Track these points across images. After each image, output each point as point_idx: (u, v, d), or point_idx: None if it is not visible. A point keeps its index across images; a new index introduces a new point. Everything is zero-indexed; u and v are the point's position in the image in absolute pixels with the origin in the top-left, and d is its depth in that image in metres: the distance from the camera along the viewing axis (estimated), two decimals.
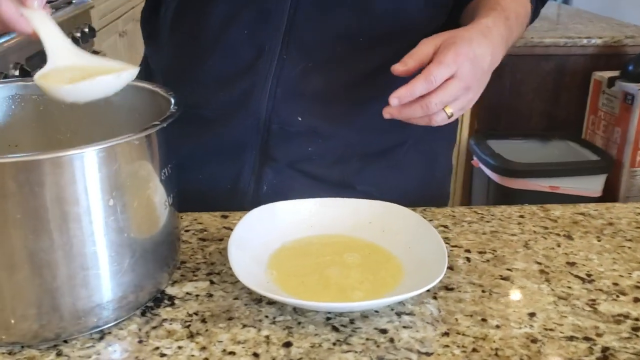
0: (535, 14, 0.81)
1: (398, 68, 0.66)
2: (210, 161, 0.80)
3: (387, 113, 0.67)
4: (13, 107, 0.65)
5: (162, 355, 0.53)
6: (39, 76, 0.56)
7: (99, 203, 0.51)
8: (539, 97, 2.14)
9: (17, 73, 1.37)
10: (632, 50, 2.04)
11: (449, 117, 0.68)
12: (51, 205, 0.49)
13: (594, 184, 1.91)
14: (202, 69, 0.80)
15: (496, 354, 0.53)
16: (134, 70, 0.58)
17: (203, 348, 0.53)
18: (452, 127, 0.95)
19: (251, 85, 0.78)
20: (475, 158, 2.05)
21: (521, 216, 0.78)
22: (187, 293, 0.61)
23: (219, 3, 0.77)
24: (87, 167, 0.50)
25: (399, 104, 0.65)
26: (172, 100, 0.59)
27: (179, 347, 0.53)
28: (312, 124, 0.80)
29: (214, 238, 0.71)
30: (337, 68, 0.79)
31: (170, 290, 0.61)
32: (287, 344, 0.54)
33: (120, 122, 0.65)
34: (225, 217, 0.76)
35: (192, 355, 0.53)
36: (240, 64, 0.78)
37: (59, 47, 0.58)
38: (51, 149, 0.49)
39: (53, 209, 0.49)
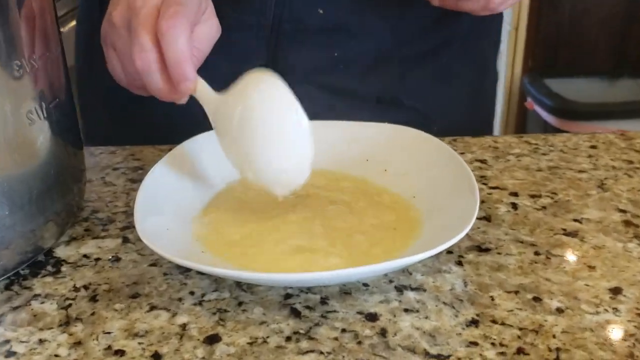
0: None
1: None
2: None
3: None
4: None
5: (10, 354, 0.33)
6: None
7: None
8: (605, 30, 1.84)
9: None
10: None
11: None
12: None
13: None
14: None
15: (557, 358, 0.32)
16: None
17: (77, 344, 0.33)
18: (497, 27, 0.72)
19: None
20: (529, 99, 1.78)
21: (593, 146, 0.55)
22: (85, 256, 0.41)
23: None
24: None
25: None
26: None
27: (40, 342, 0.34)
28: (337, 19, 0.59)
29: None
30: None
31: (62, 252, 0.41)
32: (212, 339, 0.34)
33: None
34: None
35: (56, 356, 0.33)
36: None
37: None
38: None
39: None
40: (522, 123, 1.92)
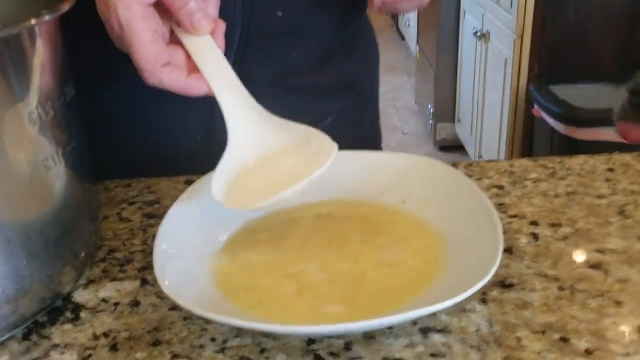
0: None
1: None
2: (166, 102, 0.57)
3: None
4: None
5: None
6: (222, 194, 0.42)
7: None
8: (610, 33, 1.83)
9: None
10: None
11: None
12: None
13: None
14: None
15: None
16: (326, 166, 0.41)
17: None
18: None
19: None
20: (536, 106, 1.77)
21: (610, 169, 0.54)
22: (103, 300, 0.40)
23: None
24: None
25: None
26: None
27: None
28: (294, 20, 0.61)
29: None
30: None
31: (80, 296, 0.41)
32: None
33: None
34: (190, 182, 0.55)
35: None
36: None
37: (246, 123, 0.43)
38: None
39: None
40: (529, 130, 1.91)
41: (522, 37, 1.84)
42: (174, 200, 0.49)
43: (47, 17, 0.35)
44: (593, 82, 1.82)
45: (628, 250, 0.43)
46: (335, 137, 0.48)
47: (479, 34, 2.23)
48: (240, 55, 0.58)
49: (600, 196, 0.50)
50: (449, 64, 2.66)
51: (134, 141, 0.59)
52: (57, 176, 0.38)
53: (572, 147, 1.64)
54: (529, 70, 1.87)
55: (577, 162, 0.56)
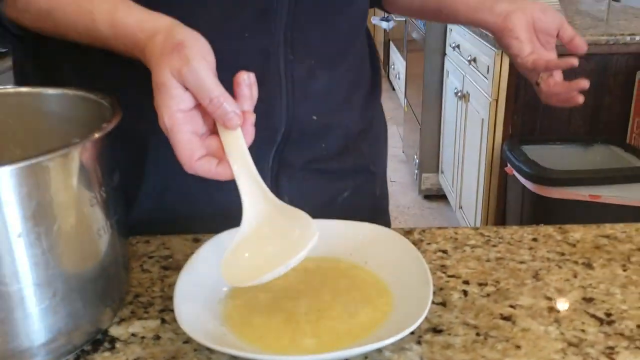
0: None
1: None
2: (221, 187, 0.66)
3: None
4: None
5: None
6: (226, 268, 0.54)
7: (15, 233, 0.44)
8: None
9: None
10: None
11: None
12: None
13: (639, 193, 1.76)
14: None
15: None
16: (315, 238, 0.53)
17: None
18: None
19: (265, 96, 0.70)
20: (509, 165, 1.92)
21: (534, 239, 0.68)
22: (133, 334, 0.53)
23: (208, 7, 0.67)
24: (2, 189, 0.43)
25: None
26: (111, 115, 0.51)
27: None
28: (325, 120, 0.76)
29: (179, 266, 0.63)
30: (338, 56, 0.76)
31: (115, 331, 0.54)
32: None
33: (68, 136, 0.58)
34: (197, 240, 0.68)
35: None
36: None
37: (254, 203, 0.55)
38: None
39: None
40: (503, 187, 2.06)
41: (497, 100, 2.00)
42: (185, 255, 0.63)
43: (96, 136, 0.48)
44: (563, 144, 1.98)
45: (534, 306, 0.56)
46: (351, 207, 0.63)
47: (459, 94, 2.40)
48: (280, 149, 0.73)
49: (522, 262, 0.64)
50: (433, 118, 2.83)
51: (160, 208, 0.72)
52: (105, 241, 0.51)
53: (542, 205, 1.78)
54: (504, 131, 2.02)
55: (509, 232, 0.70)
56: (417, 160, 3.02)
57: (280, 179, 0.76)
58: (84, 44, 0.59)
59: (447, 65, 2.67)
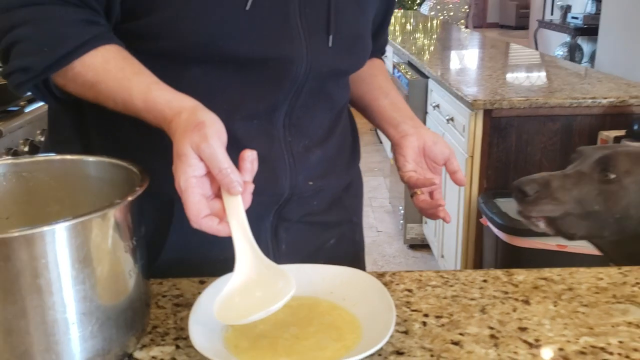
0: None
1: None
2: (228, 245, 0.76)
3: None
4: (4, 183, 0.72)
5: None
6: (219, 309, 0.66)
7: (67, 273, 0.57)
8: (547, 157, 2.17)
9: (26, 149, 1.45)
10: (637, 110, 2.06)
11: None
12: (23, 276, 0.55)
13: None
14: None
15: None
16: (292, 293, 0.64)
17: None
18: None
19: (271, 170, 0.85)
20: (484, 217, 2.07)
21: (484, 280, 0.82)
22: (153, 357, 0.66)
23: (229, 96, 0.81)
24: (57, 241, 0.56)
25: None
26: (140, 180, 0.65)
27: None
28: (319, 184, 0.92)
29: (188, 304, 0.76)
30: (327, 134, 0.93)
31: (138, 354, 0.66)
32: None
33: (102, 196, 0.72)
34: (202, 282, 0.81)
35: None
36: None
37: (245, 258, 0.68)
38: (40, 221, 0.56)
39: (25, 279, 0.55)
40: (479, 237, 2.20)
41: (472, 157, 2.16)
42: (193, 294, 0.76)
43: (130, 198, 0.62)
44: None
45: (478, 334, 0.70)
46: (336, 253, 0.80)
47: None
48: (281, 207, 0.89)
49: (472, 299, 0.77)
50: None
51: (173, 259, 0.86)
52: (134, 281, 0.64)
53: (513, 254, 1.92)
54: (479, 185, 2.18)
55: (464, 274, 0.84)
56: (402, 211, 3.16)
57: (279, 230, 0.91)
58: (118, 111, 0.74)
59: (429, 122, 2.84)
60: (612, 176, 1.04)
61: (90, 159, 0.72)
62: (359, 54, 0.93)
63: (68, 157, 0.73)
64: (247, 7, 0.76)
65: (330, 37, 0.84)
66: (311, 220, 0.95)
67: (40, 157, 0.74)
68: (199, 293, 0.77)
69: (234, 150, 0.67)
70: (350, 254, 1.03)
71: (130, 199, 0.62)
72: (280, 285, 0.66)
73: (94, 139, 0.85)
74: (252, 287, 0.67)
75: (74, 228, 0.57)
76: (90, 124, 0.85)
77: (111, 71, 0.72)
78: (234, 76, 0.80)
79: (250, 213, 0.69)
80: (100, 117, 0.81)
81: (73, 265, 0.57)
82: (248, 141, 0.81)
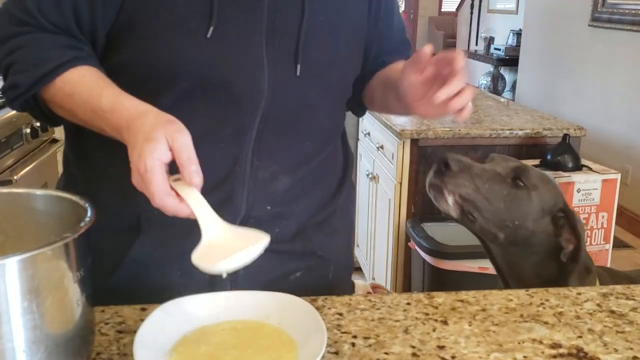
0: None
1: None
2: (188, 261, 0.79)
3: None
4: None
5: None
6: (196, 257, 0.72)
7: (17, 304, 0.61)
8: None
9: None
10: (550, 141, 2.22)
11: None
12: None
13: None
14: None
15: None
16: (267, 239, 0.73)
17: None
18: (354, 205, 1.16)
19: (231, 190, 0.91)
20: (411, 240, 2.17)
21: (408, 303, 0.89)
22: None
23: (197, 121, 0.85)
24: (8, 274, 0.60)
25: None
26: (88, 214, 0.69)
27: None
28: (278, 210, 0.96)
29: (130, 330, 0.79)
30: (302, 162, 0.97)
31: None
32: None
33: (48, 228, 0.75)
34: (144, 309, 0.85)
35: None
36: (220, 174, 0.90)
37: (210, 225, 0.74)
38: None
39: None
40: (407, 260, 2.29)
41: (401, 183, 2.27)
42: (135, 321, 0.80)
43: (81, 232, 0.66)
44: (456, 222, 2.25)
45: (402, 353, 0.77)
46: (304, 285, 0.88)
47: (370, 175, 2.67)
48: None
49: (397, 320, 0.84)
50: None
51: (122, 286, 0.89)
52: (81, 309, 0.68)
53: (439, 276, 2.03)
54: (407, 210, 2.28)
55: (390, 298, 0.91)
56: None
57: None
58: (87, 122, 0.81)
59: (360, 149, 2.95)
60: (522, 185, 1.14)
61: (38, 192, 0.75)
62: (332, 81, 0.96)
63: (15, 190, 0.76)
64: (209, 35, 0.83)
65: (299, 67, 0.90)
66: (273, 249, 0.89)
67: None
68: (141, 320, 0.81)
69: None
70: (322, 291, 0.93)
71: (79, 233, 0.66)
72: (253, 233, 0.73)
73: (74, 169, 0.92)
74: (228, 239, 0.74)
75: (25, 261, 0.61)
76: (70, 154, 0.91)
77: (86, 83, 0.81)
78: (202, 101, 0.87)
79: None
80: (77, 145, 0.87)
81: (24, 295, 0.61)
82: (212, 161, 0.85)
